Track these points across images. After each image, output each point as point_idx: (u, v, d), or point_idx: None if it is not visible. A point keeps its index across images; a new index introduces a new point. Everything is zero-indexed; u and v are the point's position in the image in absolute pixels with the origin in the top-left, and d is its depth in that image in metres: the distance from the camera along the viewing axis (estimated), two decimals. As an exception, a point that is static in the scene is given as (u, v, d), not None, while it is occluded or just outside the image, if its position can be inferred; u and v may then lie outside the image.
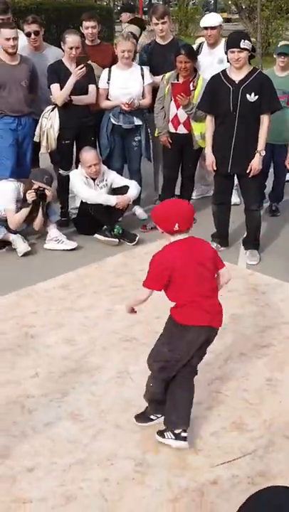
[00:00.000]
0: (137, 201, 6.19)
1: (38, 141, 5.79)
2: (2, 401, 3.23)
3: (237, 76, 4.76)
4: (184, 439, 2.81)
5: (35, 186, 5.36)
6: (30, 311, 4.27)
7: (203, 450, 2.85)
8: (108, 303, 4.36)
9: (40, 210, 5.43)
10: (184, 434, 2.82)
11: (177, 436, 2.82)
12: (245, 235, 5.36)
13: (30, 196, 5.33)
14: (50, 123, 5.64)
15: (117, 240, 5.55)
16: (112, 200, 5.58)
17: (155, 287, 2.75)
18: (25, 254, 5.29)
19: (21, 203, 5.40)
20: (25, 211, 5.37)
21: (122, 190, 5.71)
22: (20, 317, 4.17)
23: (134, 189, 5.73)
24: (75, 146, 5.91)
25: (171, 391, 2.87)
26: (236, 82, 4.75)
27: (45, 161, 6.54)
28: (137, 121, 5.86)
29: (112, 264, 5.10)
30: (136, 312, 2.98)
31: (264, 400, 3.23)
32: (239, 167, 4.93)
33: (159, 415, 2.99)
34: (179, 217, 2.73)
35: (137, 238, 5.53)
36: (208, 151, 5.07)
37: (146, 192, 6.60)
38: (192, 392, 2.89)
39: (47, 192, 5.40)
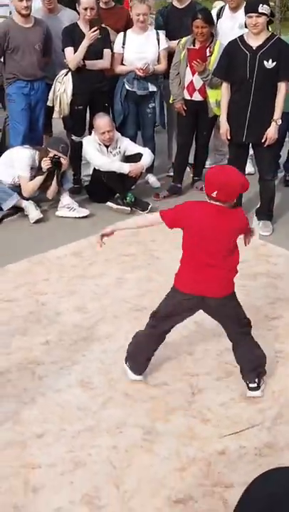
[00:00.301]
0: (150, 169, 6.14)
1: (51, 105, 5.73)
2: (13, 367, 3.25)
3: (254, 42, 4.66)
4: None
5: (51, 154, 5.32)
6: (41, 278, 4.28)
7: (212, 420, 2.86)
8: (119, 271, 4.35)
9: (55, 178, 5.40)
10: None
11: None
12: (258, 206, 5.31)
13: (46, 164, 5.30)
14: (63, 87, 5.57)
15: (129, 208, 5.52)
16: (125, 168, 5.53)
17: (166, 221, 2.83)
18: (37, 221, 5.29)
19: (36, 170, 5.37)
20: (39, 179, 5.34)
21: (136, 157, 5.65)
22: (32, 284, 4.18)
23: (147, 157, 5.68)
24: (88, 112, 5.84)
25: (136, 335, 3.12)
26: (254, 48, 4.65)
27: (57, 126, 6.48)
28: (152, 88, 5.78)
29: (123, 233, 5.06)
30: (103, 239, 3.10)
31: (273, 371, 3.23)
32: (254, 136, 4.85)
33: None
34: (221, 186, 2.64)
35: (150, 207, 5.50)
36: (222, 120, 4.99)
37: (159, 160, 6.54)
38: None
39: (62, 160, 5.36)
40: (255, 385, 3.00)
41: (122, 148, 5.66)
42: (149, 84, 5.74)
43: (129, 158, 5.67)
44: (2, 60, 5.69)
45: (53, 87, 5.65)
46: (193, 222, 2.73)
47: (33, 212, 5.31)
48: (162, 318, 2.96)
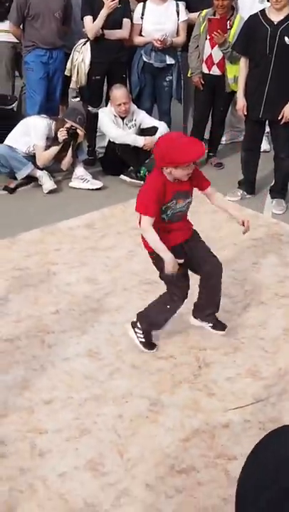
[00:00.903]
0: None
1: (68, 75, 5.69)
2: (22, 335, 3.30)
3: (276, 17, 4.58)
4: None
5: (68, 125, 5.30)
6: (53, 248, 4.30)
7: (217, 394, 2.90)
8: (131, 244, 4.37)
9: (70, 149, 5.39)
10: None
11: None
12: (272, 184, 5.28)
13: (62, 135, 5.28)
14: (81, 57, 5.53)
15: (142, 181, 5.50)
16: (140, 141, 5.51)
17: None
18: (51, 192, 5.30)
19: (51, 140, 5.36)
20: (54, 149, 5.33)
21: (151, 131, 5.62)
22: (44, 254, 4.20)
23: (163, 130, 5.64)
24: (106, 83, 5.80)
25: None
26: (275, 23, 4.57)
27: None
28: (169, 60, 5.72)
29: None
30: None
31: (280, 349, 3.25)
32: (271, 113, 4.80)
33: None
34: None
35: (163, 181, 5.48)
36: (239, 95, 4.94)
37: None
38: (160, 304, 3.13)
39: (79, 132, 5.34)
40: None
41: (137, 121, 5.63)
42: (167, 56, 5.69)
43: (144, 131, 5.64)
44: (22, 27, 5.65)
45: (71, 56, 5.60)
46: None
47: (47, 182, 5.32)
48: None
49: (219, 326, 3.30)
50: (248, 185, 5.32)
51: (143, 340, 3.17)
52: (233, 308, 3.60)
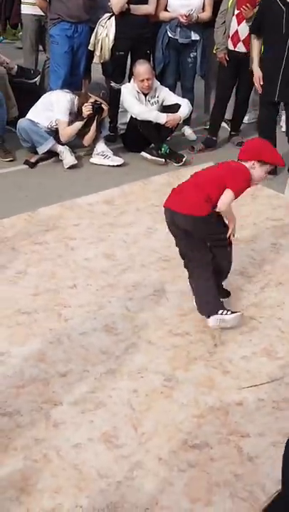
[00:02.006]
0: (187, 121, 6.06)
1: (92, 49, 5.65)
2: (40, 308, 3.32)
3: None
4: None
5: (92, 100, 5.26)
6: (72, 223, 4.31)
7: (232, 372, 2.90)
8: (150, 221, 4.36)
9: (94, 125, 5.36)
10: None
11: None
12: None
13: (87, 110, 5.25)
14: (105, 32, 5.48)
15: (163, 159, 5.48)
16: (162, 118, 5.46)
17: None
18: (71, 167, 5.29)
19: (74, 115, 5.33)
20: (78, 125, 5.31)
21: (173, 108, 5.57)
22: (62, 228, 4.21)
23: (185, 108, 5.59)
24: (129, 59, 5.75)
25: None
26: None
27: (95, 73, 6.40)
28: (195, 36, 5.64)
29: (156, 183, 5.06)
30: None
31: (297, 330, 3.24)
32: (287, 95, 4.72)
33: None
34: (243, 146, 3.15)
35: (184, 159, 5.45)
36: (255, 67, 4.89)
37: (197, 112, 6.44)
38: (203, 281, 3.15)
39: (104, 107, 5.31)
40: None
41: (160, 98, 5.58)
42: (192, 32, 5.61)
43: (166, 108, 5.59)
44: (48, 0, 5.61)
45: (95, 30, 5.55)
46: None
47: (68, 157, 5.31)
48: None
49: (223, 293, 3.36)
50: None
51: (227, 313, 3.14)
52: (250, 288, 3.59)
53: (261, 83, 4.88)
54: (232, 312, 3.15)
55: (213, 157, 5.46)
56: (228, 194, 2.95)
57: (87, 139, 5.46)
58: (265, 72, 4.79)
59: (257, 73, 4.90)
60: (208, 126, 6.17)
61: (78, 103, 5.33)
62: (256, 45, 4.90)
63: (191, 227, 3.03)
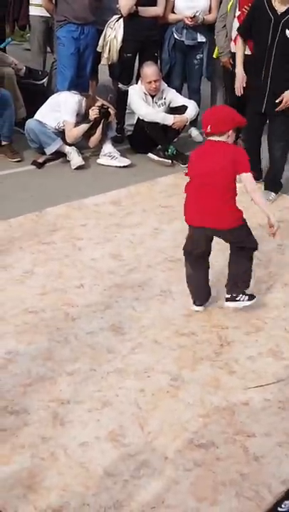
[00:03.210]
0: (194, 122, 6.07)
1: (100, 51, 5.67)
2: (47, 308, 3.34)
3: (280, 7, 4.39)
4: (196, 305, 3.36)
5: (99, 103, 5.29)
6: (79, 223, 4.33)
7: (238, 372, 2.91)
8: (156, 222, 4.38)
9: (100, 128, 5.38)
10: (196, 305, 3.36)
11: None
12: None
13: (94, 113, 5.28)
14: (114, 33, 5.51)
15: (170, 160, 5.50)
16: (169, 120, 5.48)
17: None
18: (79, 168, 5.32)
19: (81, 117, 5.36)
20: (84, 127, 5.33)
21: (180, 109, 5.59)
22: (69, 229, 4.24)
23: (192, 109, 5.61)
24: (137, 61, 5.77)
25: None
26: (278, 13, 4.39)
27: (102, 75, 6.42)
28: (201, 38, 5.66)
29: (163, 184, 5.08)
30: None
31: (303, 331, 3.25)
32: (274, 106, 4.59)
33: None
34: (211, 120, 3.04)
35: (191, 160, 5.45)
36: (238, 70, 4.81)
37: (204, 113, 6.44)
38: (201, 273, 3.30)
39: (110, 111, 5.33)
40: (229, 295, 3.28)
41: (167, 99, 5.60)
42: (198, 34, 5.64)
43: (173, 110, 5.61)
44: (54, 1, 5.64)
45: (104, 32, 5.58)
46: (193, 162, 3.15)
47: (75, 158, 5.33)
48: (188, 254, 3.28)
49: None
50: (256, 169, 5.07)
51: (247, 299, 3.28)
52: (256, 289, 3.60)
53: (244, 85, 4.81)
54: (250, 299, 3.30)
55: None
56: (250, 179, 3.02)
57: (93, 141, 5.48)
58: (253, 82, 4.72)
59: (240, 75, 4.81)
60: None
61: (86, 105, 5.35)
62: (241, 47, 4.79)
63: (238, 236, 3.16)
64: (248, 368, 2.95)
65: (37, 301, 3.40)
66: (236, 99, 5.61)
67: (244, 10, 5.14)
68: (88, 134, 5.44)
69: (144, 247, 4.06)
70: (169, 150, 5.50)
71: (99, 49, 5.66)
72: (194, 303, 3.36)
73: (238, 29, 4.94)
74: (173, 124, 5.48)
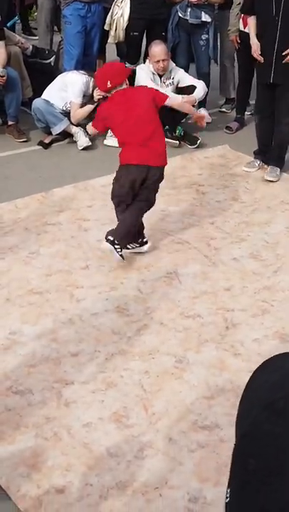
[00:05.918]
0: (202, 103, 5.99)
1: (107, 29, 5.59)
2: (52, 288, 3.33)
3: None
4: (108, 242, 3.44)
5: None
6: (85, 204, 4.30)
7: (243, 355, 2.90)
8: (163, 204, 4.34)
9: None
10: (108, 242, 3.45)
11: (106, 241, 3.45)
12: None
13: (97, 94, 5.22)
14: (120, 12, 5.43)
15: (178, 141, 5.44)
16: (177, 100, 5.40)
17: (98, 129, 3.75)
18: (85, 148, 5.27)
19: (88, 98, 5.30)
20: (88, 108, 5.28)
21: (189, 89, 5.51)
22: (76, 210, 4.21)
23: (201, 90, 5.52)
24: (144, 40, 5.69)
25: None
26: None
27: (111, 55, 6.35)
28: (205, 18, 5.55)
29: (170, 166, 4.97)
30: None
31: (309, 314, 3.23)
32: (282, 76, 4.55)
33: (132, 245, 3.61)
34: (108, 76, 3.41)
35: (199, 141, 5.41)
36: (252, 39, 4.69)
37: (212, 94, 6.36)
38: (134, 216, 3.53)
39: None
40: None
41: (175, 79, 5.53)
42: (203, 13, 5.53)
43: (182, 90, 5.54)
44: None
45: (111, 10, 5.50)
46: (109, 116, 3.45)
47: (82, 138, 5.28)
48: (125, 197, 3.50)
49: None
50: (262, 154, 5.09)
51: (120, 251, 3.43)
52: (263, 271, 3.58)
53: (259, 52, 4.73)
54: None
55: (228, 139, 5.45)
56: (172, 100, 3.71)
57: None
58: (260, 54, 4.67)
59: (255, 44, 4.69)
60: (224, 109, 6.13)
61: (93, 85, 5.29)
62: (252, 23, 4.70)
63: (160, 176, 3.48)
64: (254, 351, 2.93)
65: (42, 281, 3.39)
66: (248, 76, 5.56)
67: None
68: (93, 115, 5.38)
69: (151, 228, 4.02)
70: (177, 131, 5.44)
71: (106, 27, 5.58)
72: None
73: (241, 10, 4.91)
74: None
